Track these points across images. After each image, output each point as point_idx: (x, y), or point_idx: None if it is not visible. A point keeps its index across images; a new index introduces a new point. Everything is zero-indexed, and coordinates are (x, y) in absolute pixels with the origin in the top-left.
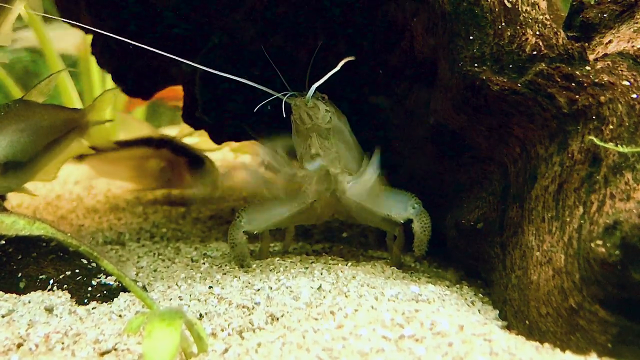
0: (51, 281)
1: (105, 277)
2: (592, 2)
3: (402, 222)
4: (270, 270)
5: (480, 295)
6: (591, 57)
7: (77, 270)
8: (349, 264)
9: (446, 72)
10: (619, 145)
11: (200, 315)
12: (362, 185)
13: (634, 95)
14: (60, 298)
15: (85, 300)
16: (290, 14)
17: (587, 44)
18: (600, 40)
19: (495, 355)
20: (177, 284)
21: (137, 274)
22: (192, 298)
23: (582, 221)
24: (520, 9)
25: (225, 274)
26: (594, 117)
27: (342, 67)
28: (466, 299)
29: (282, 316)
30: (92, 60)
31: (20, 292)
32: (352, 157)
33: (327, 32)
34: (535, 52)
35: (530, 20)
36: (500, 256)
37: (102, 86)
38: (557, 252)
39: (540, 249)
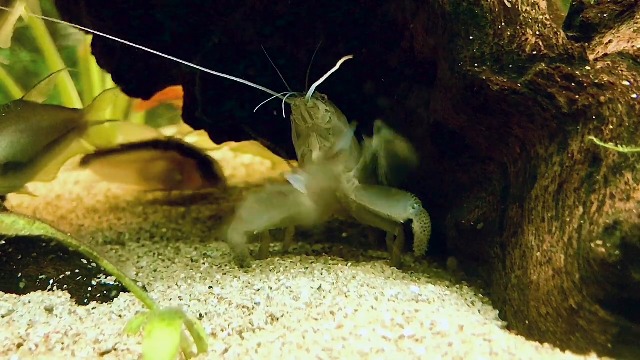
0: (51, 281)
1: (105, 277)
2: (592, 2)
3: (402, 222)
4: (270, 271)
5: (480, 295)
6: (591, 57)
7: (77, 271)
8: (349, 264)
9: (446, 72)
10: (619, 146)
11: (200, 315)
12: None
13: (634, 96)
14: (60, 298)
15: (85, 301)
16: (290, 14)
17: (587, 44)
18: (600, 40)
19: (495, 356)
20: (177, 284)
21: (137, 274)
22: (192, 298)
23: (582, 221)
24: (520, 9)
25: (225, 274)
26: (594, 117)
27: (341, 67)
28: (466, 299)
29: (282, 316)
30: (92, 60)
31: (20, 292)
32: (352, 157)
33: (327, 32)
34: (535, 52)
35: (530, 21)
36: (500, 256)
37: (102, 86)
38: (557, 252)
39: (540, 249)
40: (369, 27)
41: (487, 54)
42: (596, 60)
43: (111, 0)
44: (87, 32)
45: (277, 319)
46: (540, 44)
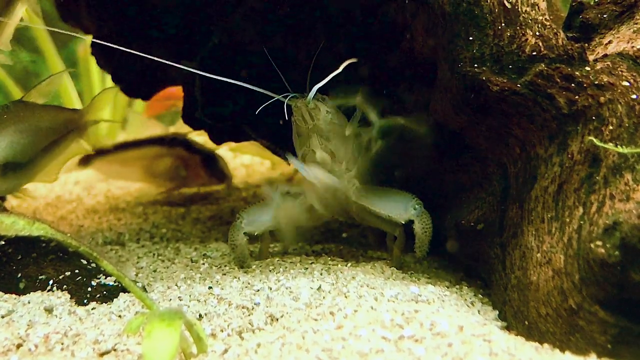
0: (51, 282)
1: (105, 278)
2: (592, 3)
3: (403, 222)
4: (270, 271)
5: (480, 295)
6: (591, 57)
7: (76, 271)
8: (349, 264)
9: (446, 73)
10: (618, 146)
11: (200, 315)
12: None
13: (634, 96)
14: (59, 298)
15: (85, 301)
16: (290, 15)
17: (586, 45)
18: (600, 40)
19: (494, 356)
20: (176, 285)
21: (136, 275)
22: (191, 298)
23: (581, 222)
24: (520, 9)
25: (224, 274)
26: (593, 118)
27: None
28: (466, 299)
29: (281, 317)
30: (92, 60)
31: (19, 292)
32: (353, 157)
33: (327, 33)
34: (535, 53)
35: (530, 21)
36: (499, 257)
37: (102, 86)
38: (557, 252)
39: (540, 250)
40: (368, 28)
41: (486, 55)
42: (596, 60)
43: (111, 1)
44: (87, 32)
45: (277, 320)
46: (540, 44)
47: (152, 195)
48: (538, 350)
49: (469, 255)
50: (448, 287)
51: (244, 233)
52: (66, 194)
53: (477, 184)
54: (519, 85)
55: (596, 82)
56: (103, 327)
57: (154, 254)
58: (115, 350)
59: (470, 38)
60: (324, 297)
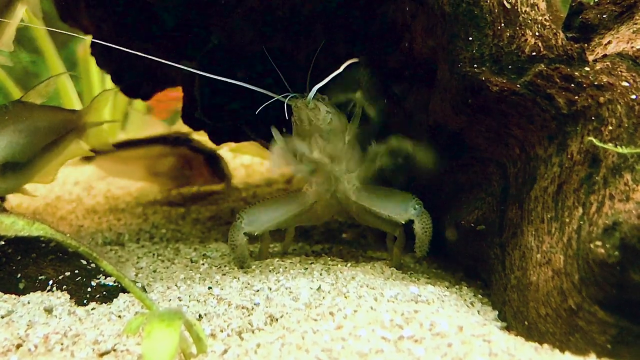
0: (50, 282)
1: (105, 278)
2: (592, 3)
3: (403, 222)
4: (270, 271)
5: (480, 296)
6: (590, 58)
7: (76, 271)
8: (349, 264)
9: (445, 73)
10: (618, 146)
11: (200, 316)
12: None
13: (633, 96)
14: (59, 299)
15: (85, 301)
16: (289, 15)
17: (586, 45)
18: (599, 41)
19: (494, 356)
20: (176, 285)
21: (136, 275)
22: (191, 299)
23: (581, 222)
24: (519, 10)
25: (224, 274)
26: (593, 118)
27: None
28: (465, 299)
29: (281, 317)
30: (92, 60)
31: (19, 292)
32: (353, 158)
33: (327, 33)
34: (534, 53)
35: (529, 21)
36: (499, 257)
37: (101, 87)
38: (557, 253)
39: (540, 250)
40: (368, 28)
41: (486, 55)
42: (595, 61)
43: (110, 1)
44: (87, 32)
45: (277, 320)
46: (540, 44)
47: (152, 195)
48: (538, 351)
49: (468, 256)
50: (448, 288)
51: (244, 233)
52: (66, 194)
53: (476, 184)
54: (518, 86)
55: (596, 83)
56: (103, 328)
57: (153, 254)
58: (114, 350)
59: (470, 38)
60: (323, 298)
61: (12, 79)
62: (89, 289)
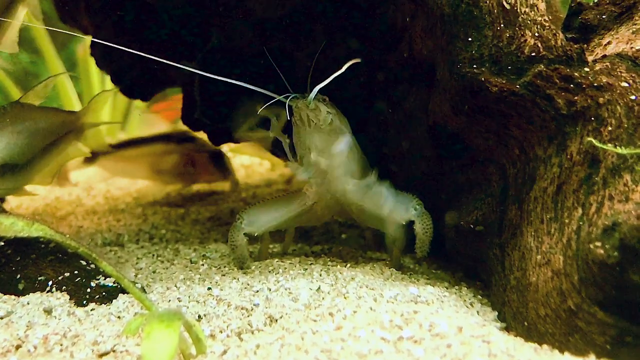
0: (50, 282)
1: (104, 279)
2: (591, 4)
3: (404, 223)
4: (269, 272)
5: (479, 296)
6: (590, 58)
7: (75, 272)
8: (348, 265)
9: (445, 74)
10: (617, 147)
11: (199, 316)
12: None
13: (633, 97)
14: (59, 299)
15: (84, 302)
16: (289, 16)
17: (585, 46)
18: (599, 41)
19: (494, 357)
20: (176, 286)
21: (136, 276)
22: (190, 299)
23: (580, 222)
24: (519, 10)
25: (224, 275)
26: (592, 119)
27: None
28: (465, 300)
29: (280, 317)
30: (91, 61)
31: (19, 293)
32: (353, 158)
33: (326, 34)
34: (534, 54)
35: (529, 22)
36: (499, 257)
37: (101, 87)
38: (556, 253)
39: (539, 251)
40: (367, 29)
41: (485, 56)
42: (595, 61)
43: (110, 1)
44: (87, 33)
45: (276, 320)
46: (539, 45)
47: (151, 196)
48: (537, 351)
49: (468, 256)
50: (447, 288)
51: (244, 234)
52: (65, 195)
53: (476, 184)
54: (517, 86)
55: (595, 83)
56: (102, 328)
57: (153, 255)
58: (114, 351)
59: (469, 39)
60: (323, 298)
61: (11, 79)
62: (89, 290)
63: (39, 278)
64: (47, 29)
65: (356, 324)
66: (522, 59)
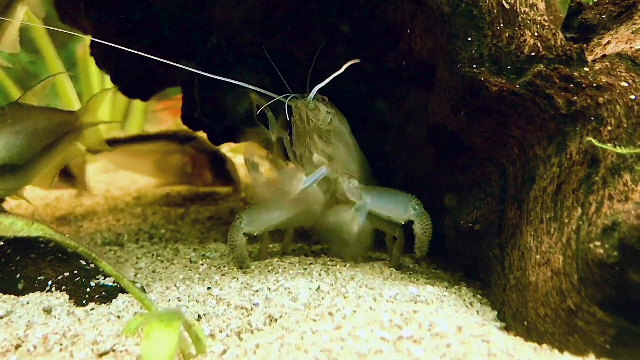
0: (50, 282)
1: (104, 279)
2: (591, 4)
3: (403, 223)
4: (269, 272)
5: (479, 296)
6: (590, 58)
7: (75, 272)
8: (348, 265)
9: (445, 74)
10: (617, 147)
11: (199, 316)
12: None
13: (633, 97)
14: (58, 299)
15: (84, 302)
16: (289, 16)
17: (585, 46)
18: (598, 41)
19: (493, 357)
20: (175, 285)
21: (135, 275)
22: (190, 299)
23: (580, 222)
24: (518, 10)
25: (224, 275)
26: (592, 119)
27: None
28: (465, 300)
29: (280, 317)
30: (91, 61)
31: (18, 293)
32: (353, 159)
33: (326, 34)
34: (533, 54)
35: (529, 22)
36: (499, 257)
37: (101, 87)
38: (556, 253)
39: (539, 250)
40: (367, 29)
41: (485, 55)
42: (595, 61)
43: (110, 1)
44: (87, 33)
45: (276, 320)
46: (539, 45)
47: (151, 196)
48: (537, 351)
49: (468, 256)
50: (447, 288)
51: (244, 234)
52: (65, 195)
53: (476, 184)
54: (517, 86)
55: (595, 83)
56: (102, 328)
57: (153, 255)
58: (114, 351)
59: (469, 39)
60: (323, 298)
61: (11, 79)
62: (88, 290)
63: (39, 278)
64: (47, 28)
65: (356, 323)
66: (522, 59)
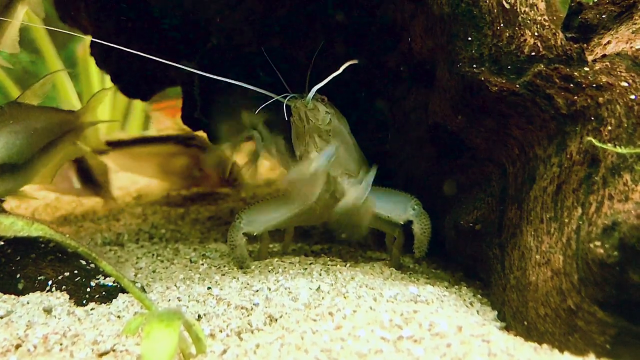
0: (50, 282)
1: (104, 278)
2: (591, 3)
3: (402, 223)
4: (269, 271)
5: (479, 296)
6: (590, 58)
7: (75, 271)
8: (348, 264)
9: (444, 73)
10: (617, 146)
11: (199, 316)
12: (353, 197)
13: (633, 97)
14: (58, 299)
15: (84, 301)
16: (288, 16)
17: (585, 45)
18: (598, 41)
19: (493, 356)
20: (175, 285)
21: (135, 275)
22: (190, 299)
23: (580, 222)
24: (518, 10)
25: (224, 274)
26: (592, 118)
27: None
28: (465, 299)
29: (280, 317)
30: (91, 61)
31: (18, 293)
32: (352, 158)
33: (326, 34)
34: (533, 53)
35: (528, 22)
36: (498, 257)
37: (101, 87)
38: (556, 253)
39: (539, 250)
40: (367, 29)
41: (485, 55)
42: (595, 61)
43: (110, 1)
44: (86, 33)
45: (276, 320)
46: (539, 44)
47: (151, 195)
48: (537, 351)
49: (468, 256)
50: (447, 288)
51: (243, 233)
52: (65, 194)
53: (475, 184)
54: (517, 86)
55: (595, 83)
56: (102, 328)
57: (153, 255)
58: (114, 350)
59: (469, 38)
60: (323, 298)
61: (11, 79)
62: (88, 289)
63: (39, 277)
64: (47, 28)
65: (356, 323)
66: (522, 59)
